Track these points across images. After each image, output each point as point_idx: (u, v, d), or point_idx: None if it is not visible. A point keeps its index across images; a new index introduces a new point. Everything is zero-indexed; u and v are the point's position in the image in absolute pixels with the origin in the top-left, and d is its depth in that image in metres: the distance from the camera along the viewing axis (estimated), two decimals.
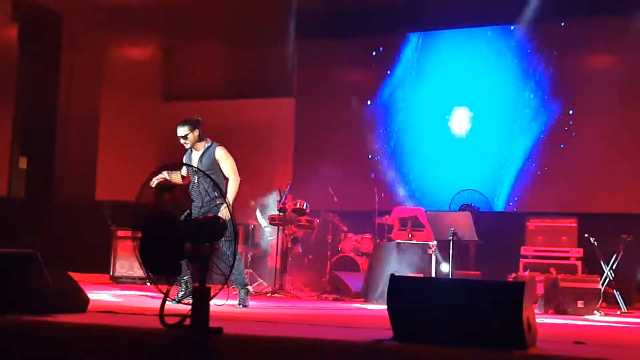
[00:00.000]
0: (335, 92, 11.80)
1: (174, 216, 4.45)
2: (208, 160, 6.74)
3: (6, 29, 12.48)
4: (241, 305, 6.72)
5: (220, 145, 6.83)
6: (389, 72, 11.51)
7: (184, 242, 4.26)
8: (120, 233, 9.92)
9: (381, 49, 11.61)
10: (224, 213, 6.46)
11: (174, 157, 10.66)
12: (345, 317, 6.40)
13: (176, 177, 6.70)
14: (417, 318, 4.27)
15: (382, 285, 8.06)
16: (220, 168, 6.73)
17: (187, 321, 4.10)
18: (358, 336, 4.42)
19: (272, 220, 9.59)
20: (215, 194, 6.55)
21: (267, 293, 8.82)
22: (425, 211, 8.72)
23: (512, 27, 10.67)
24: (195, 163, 6.77)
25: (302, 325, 5.26)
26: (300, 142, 12.06)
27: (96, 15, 12.60)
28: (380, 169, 11.29)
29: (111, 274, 9.89)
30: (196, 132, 6.78)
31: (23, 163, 12.73)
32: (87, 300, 5.25)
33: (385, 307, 4.34)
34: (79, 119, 12.82)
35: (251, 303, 7.25)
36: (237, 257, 6.77)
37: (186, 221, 4.38)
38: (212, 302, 4.18)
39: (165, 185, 6.88)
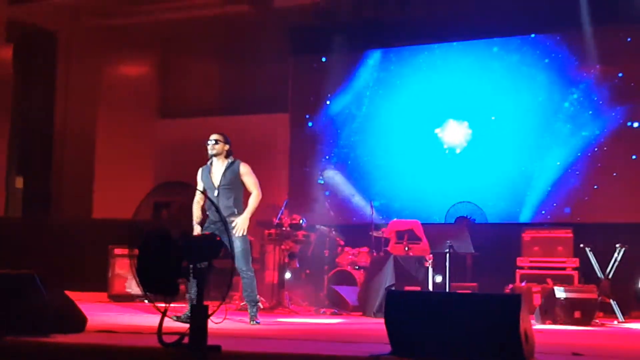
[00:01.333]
0: (325, 106, 11.85)
1: (171, 234, 4.47)
2: (232, 174, 6.93)
3: (1, 49, 12.53)
4: (253, 322, 6.77)
5: (244, 162, 7.03)
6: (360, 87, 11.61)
7: (181, 260, 4.28)
8: (118, 251, 9.90)
9: (362, 64, 11.69)
10: (240, 226, 6.63)
11: (171, 174, 10.72)
12: (344, 332, 6.41)
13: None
14: (415, 332, 4.29)
15: (380, 299, 8.07)
16: (239, 186, 6.93)
17: (186, 339, 4.11)
18: (356, 351, 4.44)
19: (269, 236, 9.60)
20: (235, 210, 6.70)
21: (265, 308, 8.82)
22: (422, 224, 8.74)
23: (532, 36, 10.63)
24: (217, 177, 6.95)
25: (301, 340, 5.28)
26: (295, 158, 12.09)
27: (91, 34, 12.66)
28: (377, 181, 11.33)
29: (109, 292, 9.88)
30: (227, 146, 7.00)
31: (19, 182, 12.74)
32: (85, 319, 5.26)
33: (382, 320, 4.36)
34: (75, 137, 12.84)
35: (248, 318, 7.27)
36: (251, 274, 6.86)
37: (183, 239, 4.40)
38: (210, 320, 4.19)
39: (163, 201, 6.91)
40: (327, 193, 11.13)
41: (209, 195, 6.86)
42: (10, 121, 12.54)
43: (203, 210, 6.97)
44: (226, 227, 6.02)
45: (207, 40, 12.29)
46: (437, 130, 11.06)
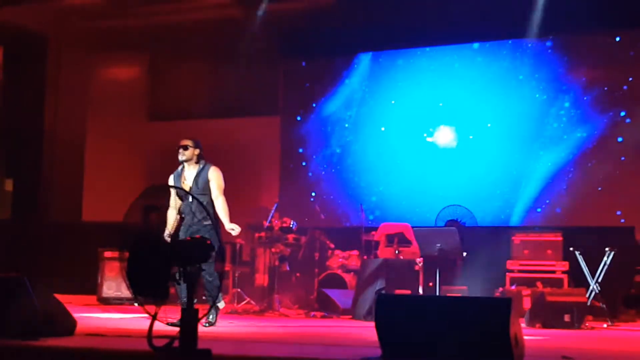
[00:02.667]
0: (315, 109, 11.88)
1: (160, 237, 4.47)
2: (203, 180, 6.82)
3: None
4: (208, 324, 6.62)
5: (215, 166, 6.92)
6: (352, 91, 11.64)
7: (171, 263, 4.27)
8: (107, 254, 9.87)
9: (350, 69, 11.73)
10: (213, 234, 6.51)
11: (160, 177, 10.64)
12: (334, 335, 6.41)
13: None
14: (405, 335, 4.30)
15: (370, 302, 8.07)
16: (210, 191, 6.80)
17: (176, 343, 4.10)
18: (346, 354, 4.44)
19: (260, 239, 9.60)
20: (205, 214, 6.60)
21: (255, 312, 8.82)
22: (412, 227, 8.75)
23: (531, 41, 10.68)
24: (189, 181, 6.84)
25: (291, 344, 5.28)
26: (285, 161, 12.09)
27: (81, 36, 12.63)
28: (367, 185, 11.35)
29: (98, 295, 9.84)
30: (197, 151, 6.88)
31: (9, 185, 12.68)
32: (74, 323, 5.24)
33: (372, 323, 4.36)
34: (65, 139, 12.79)
35: (240, 323, 7.26)
36: (216, 275, 6.78)
37: (173, 243, 4.39)
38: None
39: (152, 205, 6.88)
40: (312, 193, 11.15)
41: (182, 201, 6.79)
42: (0, 123, 12.50)
43: (179, 213, 6.88)
44: (216, 230, 6.04)
45: (197, 43, 12.27)
46: (427, 133, 11.10)
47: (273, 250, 9.39)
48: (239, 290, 9.39)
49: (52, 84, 12.71)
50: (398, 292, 7.94)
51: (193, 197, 6.62)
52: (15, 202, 12.71)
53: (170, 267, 4.23)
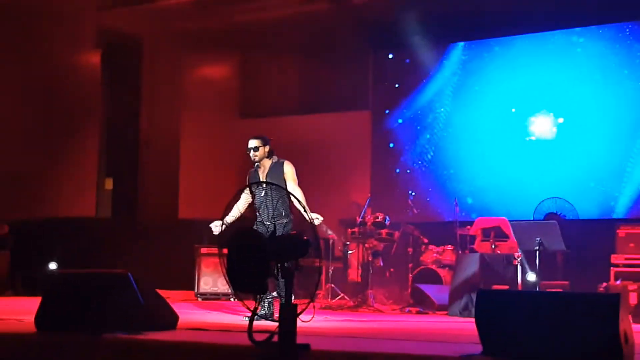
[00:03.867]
0: (405, 103, 11.76)
1: (259, 233, 4.50)
2: (276, 175, 6.78)
3: (90, 55, 12.96)
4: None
5: (288, 160, 6.89)
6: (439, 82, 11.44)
7: (269, 259, 4.29)
8: (204, 250, 10.08)
9: (447, 58, 11.51)
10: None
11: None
12: (431, 331, 6.32)
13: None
14: (507, 332, 4.18)
15: (466, 298, 7.94)
16: (284, 186, 6.70)
17: (275, 338, 4.12)
18: (446, 351, 4.36)
19: (352, 234, 9.57)
20: (282, 211, 6.62)
21: (349, 307, 8.81)
22: (509, 221, 8.53)
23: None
24: (263, 178, 6.82)
25: (389, 340, 5.22)
26: (377, 155, 12.03)
27: (174, 38, 12.93)
28: (461, 178, 11.16)
29: (196, 290, 10.06)
30: (267, 148, 6.85)
31: (109, 184, 13.13)
32: (176, 317, 5.35)
33: (469, 319, 4.27)
34: (160, 138, 13.14)
35: (334, 318, 7.26)
36: None
37: (271, 238, 4.41)
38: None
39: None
40: (411, 192, 11.05)
41: (257, 196, 6.76)
42: (100, 125, 12.95)
43: (253, 210, 6.83)
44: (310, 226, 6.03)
45: (286, 39, 12.35)
46: (524, 125, 10.80)
47: (366, 245, 9.36)
48: (332, 285, 9.40)
49: (147, 84, 13.08)
50: (496, 287, 7.76)
51: (264, 194, 6.55)
52: (115, 200, 13.15)
53: (268, 262, 4.25)
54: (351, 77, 12.26)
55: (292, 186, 6.74)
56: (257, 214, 6.70)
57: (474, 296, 7.42)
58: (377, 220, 9.40)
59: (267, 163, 6.87)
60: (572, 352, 3.96)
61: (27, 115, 12.38)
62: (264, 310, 6.63)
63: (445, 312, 8.26)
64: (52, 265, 11.14)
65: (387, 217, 9.46)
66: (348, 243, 9.93)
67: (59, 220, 12.19)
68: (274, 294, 6.62)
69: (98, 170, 12.88)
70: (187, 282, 10.31)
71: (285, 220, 6.59)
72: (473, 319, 4.23)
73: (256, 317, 6.44)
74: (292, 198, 6.60)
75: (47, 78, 12.47)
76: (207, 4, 12.30)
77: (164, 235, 11.90)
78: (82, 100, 12.90)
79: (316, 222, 6.65)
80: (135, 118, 13.11)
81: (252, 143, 6.85)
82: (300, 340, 4.13)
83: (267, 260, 4.28)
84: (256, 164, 6.88)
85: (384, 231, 9.46)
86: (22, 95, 12.19)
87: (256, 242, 4.33)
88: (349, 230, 9.77)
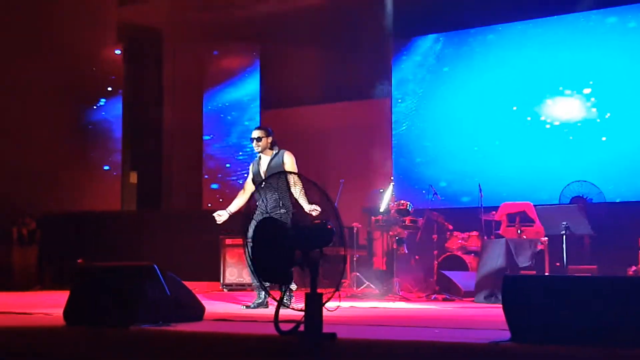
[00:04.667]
0: (427, 90, 11.69)
1: (283, 223, 4.50)
2: (276, 166, 6.89)
3: (112, 49, 13.04)
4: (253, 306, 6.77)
5: (288, 151, 6.98)
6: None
7: (294, 249, 4.29)
8: (228, 241, 10.11)
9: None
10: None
11: None
12: (458, 318, 6.29)
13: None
14: (535, 317, 4.14)
15: (492, 284, 7.88)
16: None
17: (301, 327, 4.12)
18: (474, 338, 4.33)
19: (376, 222, 9.54)
20: (280, 203, 6.63)
21: (374, 295, 8.80)
22: (534, 205, 8.45)
23: None
24: (263, 169, 6.93)
25: (416, 327, 5.21)
26: (398, 142, 11.98)
27: (194, 29, 12.97)
28: (484, 163, 11.08)
29: (222, 281, 10.10)
30: (269, 139, 6.98)
31: (133, 177, 13.23)
32: (203, 308, 5.38)
33: (496, 306, 4.24)
34: (182, 130, 13.20)
35: (360, 306, 7.26)
36: None
37: (295, 228, 4.40)
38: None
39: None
40: (427, 173, 10.99)
41: (258, 187, 6.75)
42: (123, 118, 13.04)
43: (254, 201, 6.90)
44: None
45: (306, 28, 12.33)
46: (546, 107, 10.69)
47: (390, 233, 9.32)
48: (357, 274, 9.39)
49: (168, 77, 13.15)
50: (523, 273, 7.70)
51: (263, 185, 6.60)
52: (139, 193, 13.25)
53: (293, 252, 4.25)
54: (372, 64, 12.21)
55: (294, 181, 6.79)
56: (257, 204, 6.73)
57: (500, 282, 7.37)
58: (400, 207, 9.35)
59: (269, 154, 7.00)
60: (601, 337, 3.92)
61: (52, 110, 12.49)
62: (259, 299, 6.77)
63: (472, 299, 8.22)
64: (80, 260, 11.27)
65: (411, 204, 9.41)
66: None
67: (85, 214, 12.32)
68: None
69: (122, 164, 12.98)
70: (212, 273, 10.36)
71: (282, 211, 6.60)
72: (500, 305, 4.19)
73: (249, 307, 6.56)
74: (293, 189, 6.67)
75: (71, 73, 12.58)
76: None
77: (188, 227, 11.97)
78: (105, 95, 13.01)
79: (314, 214, 6.68)
80: (158, 111, 13.19)
81: (255, 134, 7.00)
82: (326, 329, 4.12)
83: (292, 249, 4.28)
84: (258, 154, 7.02)
85: (407, 218, 9.40)
86: (46, 92, 12.30)
87: (280, 232, 4.34)
88: (373, 218, 9.74)
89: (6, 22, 11.76)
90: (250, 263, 4.36)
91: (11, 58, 11.88)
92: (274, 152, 6.98)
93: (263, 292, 6.75)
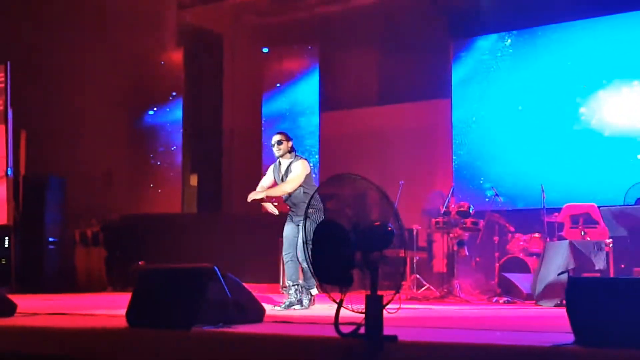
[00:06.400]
0: (487, 90, 11.54)
1: (342, 225, 4.49)
2: (290, 172, 7.14)
3: (173, 53, 13.26)
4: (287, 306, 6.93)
5: (303, 159, 7.19)
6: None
7: (354, 250, 4.28)
8: None
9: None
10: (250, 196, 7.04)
11: (335, 167, 10.86)
12: (520, 320, 6.19)
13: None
14: (600, 320, 4.05)
15: (555, 286, 7.72)
16: (307, 181, 7.07)
17: (362, 329, 4.11)
18: (536, 341, 4.26)
19: (437, 224, 9.47)
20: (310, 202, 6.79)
21: (435, 297, 8.73)
22: (598, 207, 8.25)
23: None
24: (282, 173, 7.20)
25: (477, 330, 5.14)
26: (458, 143, 11.86)
27: (253, 32, 13.09)
28: (545, 165, 10.88)
29: (281, 283, 10.15)
30: (290, 143, 7.19)
31: (194, 180, 13.42)
32: (263, 310, 5.42)
33: (559, 308, 4.16)
34: (242, 133, 13.33)
35: (421, 309, 7.21)
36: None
37: (355, 230, 4.39)
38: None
39: (332, 194, 6.99)
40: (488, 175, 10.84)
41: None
42: (183, 121, 13.23)
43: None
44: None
45: (365, 30, 12.32)
46: (612, 105, 10.44)
47: (451, 235, 9.24)
48: (417, 276, 9.34)
49: (228, 80, 13.29)
50: (586, 275, 7.53)
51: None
52: (200, 196, 13.42)
53: (353, 254, 4.25)
54: (431, 65, 12.13)
55: (288, 179, 7.08)
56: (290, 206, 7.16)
57: (564, 284, 7.22)
58: (461, 209, 9.25)
59: (288, 157, 7.21)
60: None
61: (114, 115, 12.76)
62: (291, 297, 7.01)
63: (534, 301, 8.07)
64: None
65: (472, 206, 9.30)
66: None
67: (146, 216, 12.54)
68: (301, 281, 7.06)
69: (183, 166, 13.17)
70: (272, 275, 10.42)
71: (310, 211, 6.72)
72: (563, 308, 4.11)
73: (284, 306, 6.75)
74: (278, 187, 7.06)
75: (133, 78, 12.84)
76: None
77: (248, 229, 12.07)
78: (166, 99, 13.22)
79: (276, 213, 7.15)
80: (218, 114, 13.34)
81: (276, 138, 7.23)
82: (387, 331, 4.10)
83: (352, 251, 4.27)
84: (278, 158, 7.24)
85: (468, 220, 9.30)
86: (110, 96, 12.57)
87: (340, 234, 4.34)
88: (433, 220, 9.67)
89: (71, 25, 12.03)
90: (309, 265, 4.38)
91: (77, 61, 12.13)
92: (292, 158, 7.19)
93: (293, 292, 7.01)
